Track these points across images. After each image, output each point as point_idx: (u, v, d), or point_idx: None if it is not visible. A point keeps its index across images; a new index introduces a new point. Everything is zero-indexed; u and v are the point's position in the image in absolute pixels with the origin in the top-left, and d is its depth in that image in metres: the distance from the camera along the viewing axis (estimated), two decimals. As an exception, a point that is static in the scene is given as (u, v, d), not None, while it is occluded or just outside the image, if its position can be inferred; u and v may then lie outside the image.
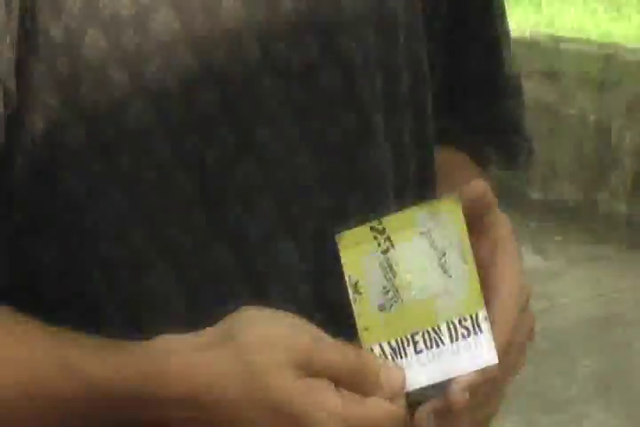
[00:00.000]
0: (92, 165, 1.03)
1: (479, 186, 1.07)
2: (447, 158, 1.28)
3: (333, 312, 1.06)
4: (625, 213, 6.35)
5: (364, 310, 0.99)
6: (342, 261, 0.99)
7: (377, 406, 0.97)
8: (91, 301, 1.03)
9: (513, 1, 8.35)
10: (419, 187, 1.17)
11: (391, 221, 1.01)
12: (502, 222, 1.10)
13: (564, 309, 5.71)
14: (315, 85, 1.08)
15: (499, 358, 0.97)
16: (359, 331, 0.99)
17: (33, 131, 1.03)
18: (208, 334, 0.97)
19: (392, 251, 1.00)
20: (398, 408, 0.98)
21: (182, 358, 0.96)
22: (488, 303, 1.03)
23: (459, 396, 0.98)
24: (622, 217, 6.37)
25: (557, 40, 6.97)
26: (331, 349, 0.96)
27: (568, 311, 5.67)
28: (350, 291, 0.99)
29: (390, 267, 1.01)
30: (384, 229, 1.00)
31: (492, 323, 1.01)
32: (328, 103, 1.09)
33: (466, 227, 1.02)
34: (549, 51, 6.91)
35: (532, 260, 6.05)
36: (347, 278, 0.99)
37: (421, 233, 1.01)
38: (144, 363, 0.97)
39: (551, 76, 6.79)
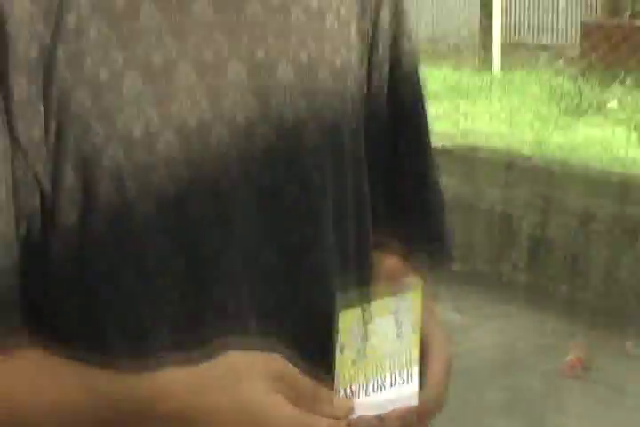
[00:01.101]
0: (111, 254, 1.16)
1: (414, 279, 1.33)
2: (386, 261, 1.44)
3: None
4: (524, 281, 7.08)
5: (343, 364, 1.18)
6: (339, 328, 1.18)
7: (324, 421, 1.15)
8: (99, 335, 1.17)
9: (435, 118, 8.63)
10: (358, 283, 1.31)
11: (374, 304, 1.21)
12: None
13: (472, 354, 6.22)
14: (281, 201, 1.24)
15: (434, 401, 1.24)
16: (337, 377, 1.18)
17: (64, 225, 1.15)
18: (203, 368, 1.12)
19: (370, 324, 1.21)
20: (341, 424, 1.17)
21: (181, 389, 1.11)
22: (428, 363, 1.30)
23: (393, 420, 1.21)
24: (522, 284, 7.10)
25: (471, 149, 7.63)
26: (299, 374, 1.14)
27: (476, 356, 6.25)
28: (337, 350, 1.17)
29: (366, 335, 1.20)
30: (370, 309, 1.21)
31: (430, 381, 1.28)
32: (292, 216, 1.25)
33: (422, 307, 1.25)
34: (466, 158, 7.51)
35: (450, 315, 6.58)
36: (338, 342, 1.18)
37: (391, 313, 1.23)
38: (147, 390, 1.12)
39: (465, 176, 7.37)
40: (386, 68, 1.38)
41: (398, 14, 1.39)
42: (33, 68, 1.11)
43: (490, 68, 11.86)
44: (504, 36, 12.39)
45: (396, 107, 1.40)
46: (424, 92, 1.43)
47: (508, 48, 12.64)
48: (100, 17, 1.14)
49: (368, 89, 1.36)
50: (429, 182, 1.46)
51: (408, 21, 1.41)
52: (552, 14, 19.08)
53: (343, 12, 1.31)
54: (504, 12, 12.67)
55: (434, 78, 11.16)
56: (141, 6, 1.15)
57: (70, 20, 1.12)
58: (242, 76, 1.20)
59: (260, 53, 1.21)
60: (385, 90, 1.38)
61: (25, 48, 1.10)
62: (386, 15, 1.37)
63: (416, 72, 1.43)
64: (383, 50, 1.37)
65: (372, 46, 1.37)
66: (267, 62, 1.22)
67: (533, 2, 17.61)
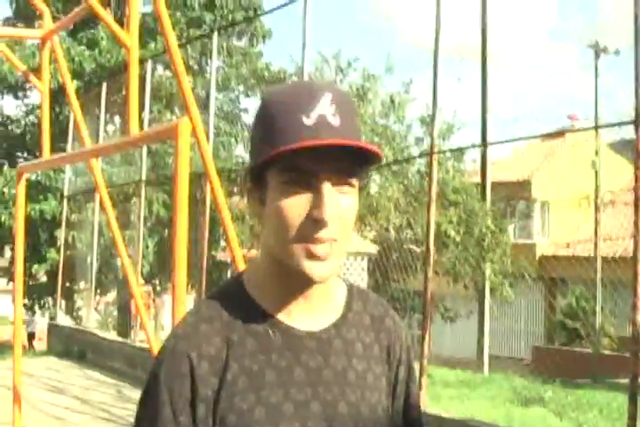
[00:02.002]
0: None
1: None
2: None
3: None
4: None
5: None
6: None
7: None
8: None
9: (449, 398, 8.78)
10: None
11: None
12: None
13: None
14: None
15: None
16: None
17: None
18: None
19: None
20: None
21: None
22: None
23: None
24: None
25: (469, 420, 6.86)
26: None
27: None
28: None
29: None
30: None
31: None
32: None
33: None
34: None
35: None
36: None
37: None
38: None
39: None
40: (402, 399, 1.34)
41: (410, 370, 1.36)
42: (208, 401, 1.15)
43: (482, 371, 11.77)
44: (490, 352, 12.51)
45: (407, 422, 1.34)
46: (421, 412, 1.38)
47: (493, 358, 12.58)
48: (244, 375, 1.17)
49: (391, 411, 1.31)
50: None
51: (415, 373, 1.37)
52: (516, 339, 19.30)
53: (377, 371, 1.29)
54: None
55: (450, 375, 11.16)
56: (266, 372, 1.18)
57: (228, 376, 1.16)
58: (318, 410, 1.19)
59: (329, 397, 1.21)
60: (401, 412, 1.34)
61: (204, 390, 1.15)
62: (402, 370, 1.34)
63: (419, 401, 1.38)
64: (400, 390, 1.34)
65: (394, 387, 1.33)
66: (332, 403, 1.20)
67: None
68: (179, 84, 5.01)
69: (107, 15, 5.17)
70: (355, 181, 1.18)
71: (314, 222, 1.13)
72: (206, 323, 1.19)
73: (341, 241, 1.16)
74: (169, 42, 4.80)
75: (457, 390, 9.59)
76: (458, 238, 12.24)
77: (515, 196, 18.95)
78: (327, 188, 1.13)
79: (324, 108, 1.13)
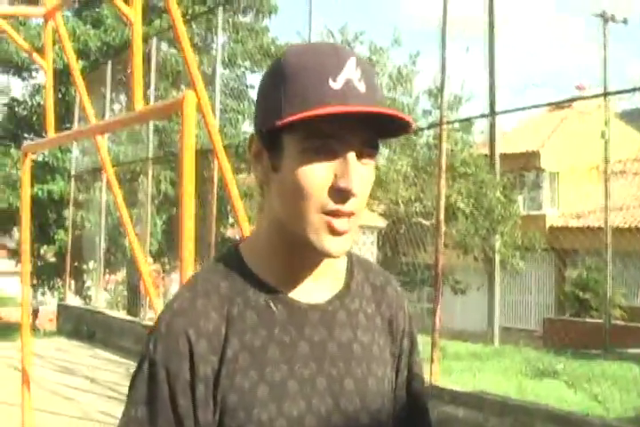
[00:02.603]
0: None
1: None
2: None
3: None
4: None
5: None
6: None
7: None
8: None
9: (460, 371, 8.80)
10: None
11: None
12: None
13: None
14: None
15: None
16: None
17: None
18: None
19: None
20: None
21: None
22: None
23: None
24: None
25: (482, 392, 6.76)
26: None
27: None
28: None
29: None
30: None
31: None
32: None
33: None
34: (478, 397, 6.61)
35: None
36: None
37: None
38: None
39: (477, 408, 6.49)
40: (405, 372, 1.33)
41: (413, 341, 1.35)
42: (208, 380, 1.11)
43: (493, 344, 11.84)
44: (500, 324, 12.62)
45: (410, 395, 1.33)
46: (425, 384, 1.37)
47: (503, 330, 12.64)
48: (245, 351, 1.13)
49: (395, 385, 1.31)
50: None
51: (417, 343, 1.36)
52: (527, 311, 19.72)
53: (381, 342, 1.27)
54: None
55: (461, 348, 11.10)
56: (269, 347, 1.15)
57: (229, 353, 1.13)
58: (324, 386, 1.16)
59: (334, 372, 1.18)
60: (405, 385, 1.33)
61: (204, 369, 1.11)
62: (405, 342, 1.33)
63: (422, 372, 1.37)
64: (404, 362, 1.32)
65: (398, 360, 1.31)
66: (338, 378, 1.18)
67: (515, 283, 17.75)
68: (184, 59, 4.91)
69: (111, -10, 5.07)
70: (375, 153, 1.14)
71: (338, 193, 1.09)
72: (203, 298, 1.14)
73: (358, 215, 1.13)
74: (173, 15, 4.71)
75: (468, 363, 9.55)
76: (467, 210, 12.18)
77: (524, 167, 18.89)
78: (353, 157, 1.09)
79: (351, 72, 1.08)
